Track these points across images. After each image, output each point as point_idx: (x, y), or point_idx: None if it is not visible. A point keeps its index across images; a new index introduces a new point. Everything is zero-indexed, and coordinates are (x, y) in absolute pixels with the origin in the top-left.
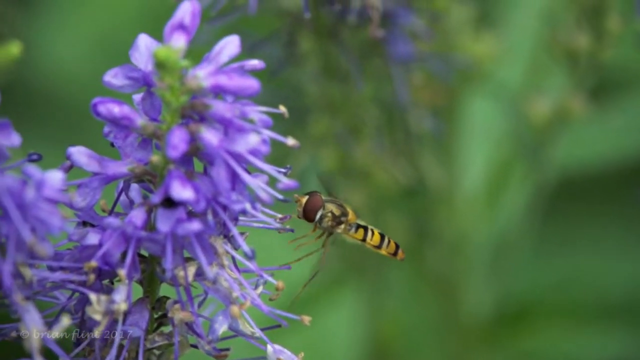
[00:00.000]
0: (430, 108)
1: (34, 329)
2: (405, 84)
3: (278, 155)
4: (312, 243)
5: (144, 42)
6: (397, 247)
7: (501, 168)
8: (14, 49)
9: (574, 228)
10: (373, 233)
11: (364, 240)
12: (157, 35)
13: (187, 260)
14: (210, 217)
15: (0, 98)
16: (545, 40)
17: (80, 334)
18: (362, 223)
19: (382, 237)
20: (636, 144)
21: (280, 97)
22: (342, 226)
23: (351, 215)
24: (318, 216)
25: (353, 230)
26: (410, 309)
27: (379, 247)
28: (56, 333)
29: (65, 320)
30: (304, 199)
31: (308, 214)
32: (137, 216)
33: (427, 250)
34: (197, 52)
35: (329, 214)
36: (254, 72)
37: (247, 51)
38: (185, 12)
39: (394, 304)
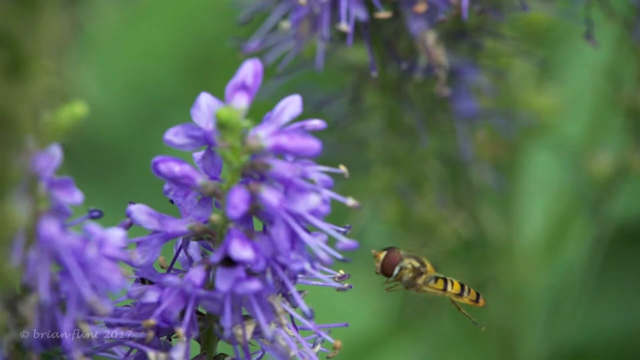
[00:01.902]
0: (492, 162)
1: None
2: (468, 139)
3: (338, 210)
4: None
5: (206, 101)
6: (478, 295)
7: (560, 221)
8: (79, 109)
9: (631, 280)
10: (453, 283)
11: (444, 289)
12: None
13: (245, 318)
14: (269, 276)
15: (62, 157)
16: (606, 95)
17: None
18: (441, 275)
19: (462, 286)
20: None
21: (343, 150)
22: (423, 277)
23: (429, 268)
24: (397, 271)
25: (433, 281)
26: (470, 358)
27: (460, 295)
28: None
29: None
30: (382, 254)
31: (386, 269)
32: (196, 274)
33: (487, 300)
34: (260, 106)
35: (409, 266)
36: (317, 131)
37: (313, 107)
38: (248, 72)
39: (453, 355)
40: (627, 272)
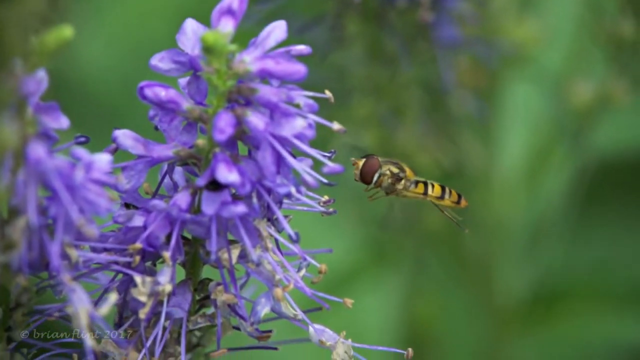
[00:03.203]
0: (473, 91)
1: (81, 307)
2: (450, 67)
3: (320, 138)
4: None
5: (191, 26)
6: (460, 196)
7: (540, 152)
8: (66, 32)
9: (611, 213)
10: (433, 186)
11: (425, 194)
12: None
13: (231, 242)
14: (255, 200)
15: (48, 82)
16: (588, 26)
17: (121, 316)
18: (421, 179)
19: (443, 188)
20: None
21: (325, 79)
22: (402, 183)
23: (409, 172)
24: (376, 177)
25: (413, 186)
26: (446, 291)
27: (441, 198)
28: (104, 310)
29: (113, 297)
30: (361, 162)
31: (365, 176)
32: (182, 199)
33: (464, 233)
34: (244, 35)
35: (388, 172)
36: (301, 57)
37: (294, 34)
38: None
39: (431, 286)
40: (609, 206)
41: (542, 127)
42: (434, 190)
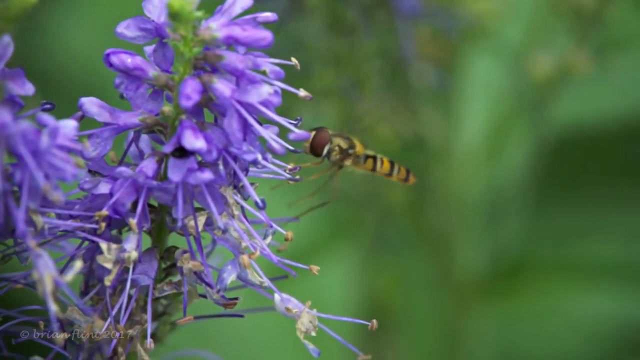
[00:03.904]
0: (433, 63)
1: (47, 274)
2: (410, 38)
3: (283, 108)
4: (322, 175)
5: None
6: (408, 172)
7: (501, 124)
8: None
9: (571, 186)
10: (382, 162)
11: (374, 169)
12: None
13: (197, 210)
14: (221, 167)
15: (13, 47)
16: None
17: (87, 284)
18: (371, 153)
19: (392, 164)
20: (635, 102)
21: (286, 50)
22: (351, 158)
23: (359, 147)
24: (326, 150)
25: (362, 161)
26: (407, 264)
27: (389, 174)
28: (69, 277)
29: (78, 264)
30: (311, 135)
31: (315, 149)
32: (148, 166)
33: (424, 205)
34: (210, 5)
35: (337, 147)
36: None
37: (254, 3)
38: None
39: (391, 258)
40: (569, 179)
41: (502, 99)
42: (383, 167)
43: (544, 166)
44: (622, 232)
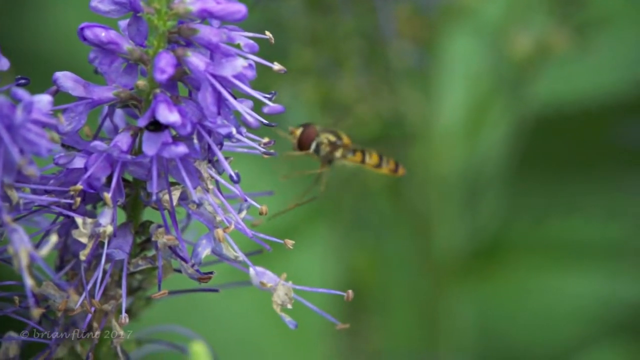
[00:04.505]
0: (413, 42)
1: (22, 248)
2: (389, 18)
3: (261, 86)
4: (313, 172)
5: None
6: (397, 164)
7: (480, 104)
8: None
9: (551, 165)
10: (371, 154)
11: (363, 161)
12: None
13: (172, 184)
14: (195, 141)
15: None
16: None
17: (62, 259)
18: (359, 147)
19: (381, 156)
20: (615, 81)
21: (264, 28)
22: (340, 151)
23: (346, 140)
24: (314, 146)
25: (351, 154)
26: (385, 243)
27: (379, 166)
28: (45, 251)
29: (54, 238)
30: (299, 131)
31: (303, 145)
32: (123, 140)
33: (403, 186)
34: None
35: (325, 141)
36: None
37: None
38: None
39: (370, 239)
40: (548, 158)
41: (482, 78)
42: (372, 159)
43: (522, 145)
44: (601, 211)
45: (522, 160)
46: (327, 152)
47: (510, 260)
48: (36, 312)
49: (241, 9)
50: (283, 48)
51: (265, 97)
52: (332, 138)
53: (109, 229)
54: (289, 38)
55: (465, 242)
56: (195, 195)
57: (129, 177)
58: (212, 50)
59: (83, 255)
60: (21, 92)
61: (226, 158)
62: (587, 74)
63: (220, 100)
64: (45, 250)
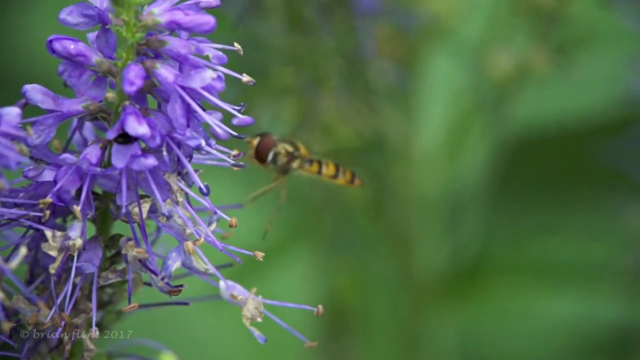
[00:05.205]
0: (393, 62)
1: None
2: (369, 37)
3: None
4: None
5: None
6: (354, 175)
7: (460, 124)
8: None
9: (533, 185)
10: (328, 165)
11: (319, 172)
12: None
13: (142, 197)
14: (165, 153)
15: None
16: None
17: (32, 273)
18: (315, 157)
19: (337, 167)
20: (595, 101)
21: (244, 48)
22: (297, 161)
23: (304, 151)
24: (271, 156)
25: (308, 164)
26: (366, 264)
27: (335, 177)
28: (14, 264)
29: (23, 251)
30: (256, 140)
31: (260, 155)
32: (92, 153)
33: (384, 206)
34: None
35: (283, 151)
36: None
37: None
38: None
39: (350, 259)
40: (529, 179)
41: (462, 98)
42: (328, 170)
43: (503, 166)
44: (582, 232)
45: (502, 180)
46: (284, 163)
47: (492, 280)
48: (6, 326)
49: (210, 20)
50: (264, 67)
51: (234, 109)
52: (290, 148)
53: (79, 242)
54: (270, 58)
55: (446, 262)
56: (165, 207)
57: (99, 190)
58: (181, 62)
59: (52, 269)
60: None
61: (195, 170)
62: (568, 93)
63: (189, 112)
64: (14, 263)
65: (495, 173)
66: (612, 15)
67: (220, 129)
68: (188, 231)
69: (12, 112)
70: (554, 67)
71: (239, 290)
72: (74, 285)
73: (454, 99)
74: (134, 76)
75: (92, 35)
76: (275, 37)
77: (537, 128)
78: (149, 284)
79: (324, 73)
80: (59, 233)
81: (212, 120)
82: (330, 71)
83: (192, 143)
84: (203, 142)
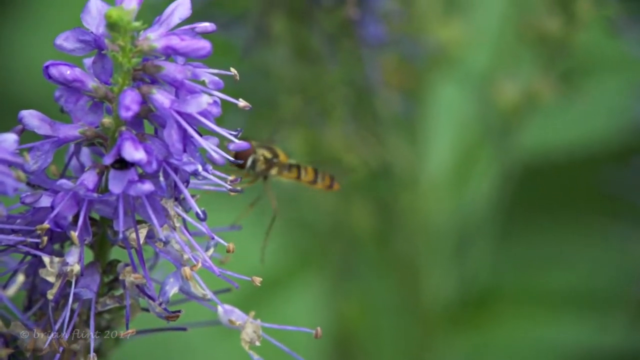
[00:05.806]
0: (399, 91)
1: None
2: (375, 66)
3: (247, 133)
4: (249, 185)
5: (96, 5)
6: (332, 179)
7: (467, 152)
8: None
9: (538, 214)
10: (306, 170)
11: (298, 178)
12: None
13: (139, 222)
14: (161, 179)
15: None
16: (513, 24)
17: (30, 299)
18: (294, 162)
19: (316, 172)
20: (601, 129)
21: (250, 79)
22: (276, 167)
23: (282, 156)
24: (250, 162)
25: (286, 170)
26: (374, 293)
27: (314, 182)
28: (12, 291)
29: (21, 278)
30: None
31: (240, 160)
32: (89, 179)
33: (392, 234)
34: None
35: (261, 158)
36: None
37: (219, 31)
38: None
39: (358, 287)
40: (536, 207)
41: (469, 127)
42: (307, 175)
43: (510, 194)
44: (588, 261)
45: (510, 208)
46: (263, 169)
47: (500, 309)
48: (4, 352)
49: (205, 45)
50: (271, 97)
51: (230, 134)
52: (268, 155)
53: (77, 268)
54: (276, 88)
55: (454, 291)
56: (162, 233)
57: (96, 216)
58: (177, 87)
59: (50, 295)
60: None
61: (192, 195)
62: (574, 122)
63: (185, 138)
64: (12, 290)
65: (503, 201)
66: (618, 44)
67: (216, 154)
68: (185, 257)
69: (9, 139)
70: (560, 95)
71: (237, 315)
72: (72, 311)
73: (460, 128)
74: (130, 101)
75: (88, 61)
76: (282, 67)
77: (543, 156)
78: (148, 310)
79: (330, 102)
80: (56, 259)
81: (209, 145)
82: (337, 100)
83: (189, 168)
84: (200, 168)
